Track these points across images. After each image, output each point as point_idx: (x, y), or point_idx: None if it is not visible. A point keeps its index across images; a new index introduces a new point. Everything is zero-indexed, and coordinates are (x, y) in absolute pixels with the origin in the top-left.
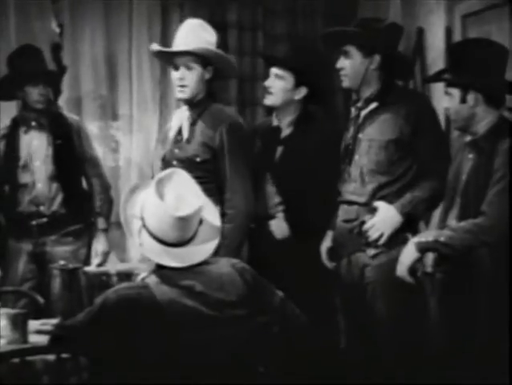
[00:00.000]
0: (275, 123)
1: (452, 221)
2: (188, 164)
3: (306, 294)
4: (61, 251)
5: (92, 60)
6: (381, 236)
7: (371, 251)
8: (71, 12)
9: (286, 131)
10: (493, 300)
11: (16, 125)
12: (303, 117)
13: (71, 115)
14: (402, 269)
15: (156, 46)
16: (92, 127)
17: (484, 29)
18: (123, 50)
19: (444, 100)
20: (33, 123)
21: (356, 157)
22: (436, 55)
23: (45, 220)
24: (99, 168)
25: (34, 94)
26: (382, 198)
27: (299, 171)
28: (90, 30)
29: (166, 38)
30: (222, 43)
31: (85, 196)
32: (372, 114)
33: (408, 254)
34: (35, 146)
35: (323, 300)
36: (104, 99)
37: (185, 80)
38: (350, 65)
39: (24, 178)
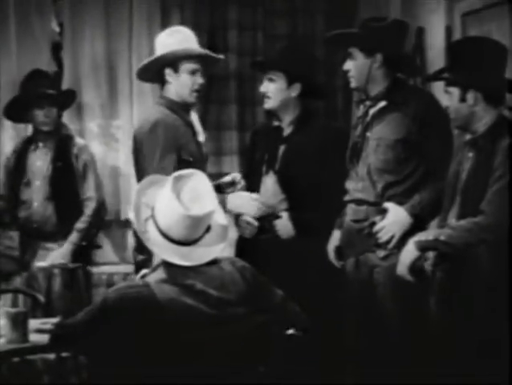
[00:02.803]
0: (276, 123)
1: (452, 220)
2: (202, 165)
3: (311, 294)
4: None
5: (92, 59)
6: (392, 238)
7: (381, 252)
8: (71, 11)
9: (287, 131)
10: (492, 298)
11: (27, 143)
12: (303, 115)
13: (77, 139)
14: (402, 268)
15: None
16: (93, 125)
17: (484, 28)
18: (123, 49)
19: (444, 99)
20: (40, 144)
21: (364, 155)
22: (436, 54)
23: (38, 233)
24: (96, 193)
25: (40, 116)
26: (390, 198)
27: (303, 169)
28: (90, 30)
29: None
30: (222, 43)
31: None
32: (381, 113)
33: (408, 253)
34: (38, 166)
35: (327, 299)
36: (104, 98)
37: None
38: (354, 66)
39: (25, 195)
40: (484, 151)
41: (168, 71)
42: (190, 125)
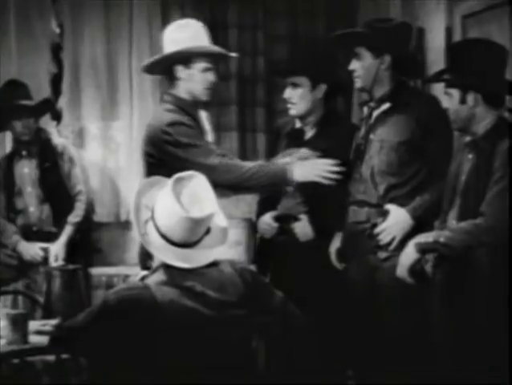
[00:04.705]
0: (298, 125)
1: (452, 222)
2: None
3: (327, 295)
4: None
5: (92, 60)
6: (393, 239)
7: (383, 254)
8: (71, 12)
9: (309, 133)
10: (492, 300)
11: (12, 155)
12: (327, 116)
13: (57, 140)
14: (402, 270)
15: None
16: (92, 127)
17: (484, 29)
18: (123, 51)
19: (444, 101)
20: (23, 153)
21: (367, 157)
22: (436, 56)
23: (39, 236)
24: (85, 186)
25: (19, 127)
26: (392, 200)
27: None
28: (90, 31)
29: None
30: (223, 43)
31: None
32: (385, 115)
33: (408, 255)
34: (25, 173)
35: (339, 300)
36: (104, 100)
37: None
38: (361, 66)
39: (20, 204)
40: (484, 152)
41: (179, 68)
42: (199, 124)
